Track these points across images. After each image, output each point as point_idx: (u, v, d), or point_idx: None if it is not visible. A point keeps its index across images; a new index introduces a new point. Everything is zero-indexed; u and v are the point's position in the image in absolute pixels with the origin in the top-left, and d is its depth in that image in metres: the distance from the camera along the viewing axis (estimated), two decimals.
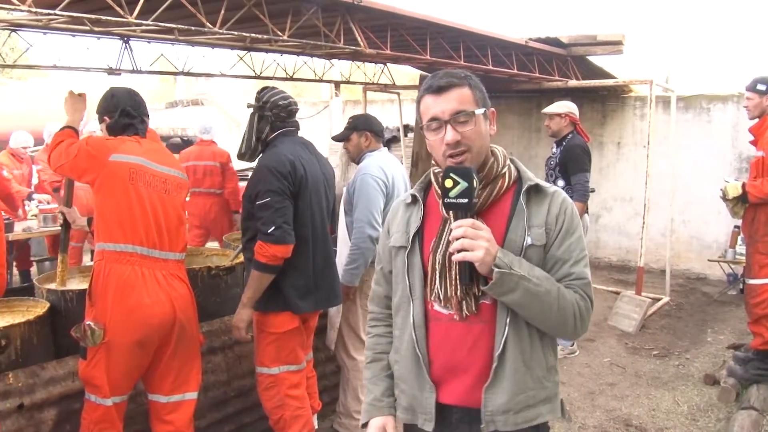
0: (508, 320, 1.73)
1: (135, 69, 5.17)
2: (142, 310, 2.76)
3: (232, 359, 3.62)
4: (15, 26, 3.57)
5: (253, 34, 3.34)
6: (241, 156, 3.24)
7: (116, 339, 2.75)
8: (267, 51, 5.07)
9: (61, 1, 2.66)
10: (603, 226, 9.15)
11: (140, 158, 2.85)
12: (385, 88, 8.08)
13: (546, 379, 1.81)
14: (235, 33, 3.21)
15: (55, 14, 2.53)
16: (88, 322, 2.74)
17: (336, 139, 4.04)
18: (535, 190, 1.80)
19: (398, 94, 8.71)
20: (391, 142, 10.55)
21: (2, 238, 2.73)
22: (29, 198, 7.08)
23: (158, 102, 15.76)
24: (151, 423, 3.02)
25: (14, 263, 6.77)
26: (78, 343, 2.79)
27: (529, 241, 1.74)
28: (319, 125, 11.74)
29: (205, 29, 3.08)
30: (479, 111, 1.75)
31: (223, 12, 3.18)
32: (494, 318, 1.75)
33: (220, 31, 3.13)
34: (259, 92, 3.25)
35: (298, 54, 5.25)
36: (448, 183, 1.67)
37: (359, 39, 3.99)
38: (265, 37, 3.41)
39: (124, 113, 2.92)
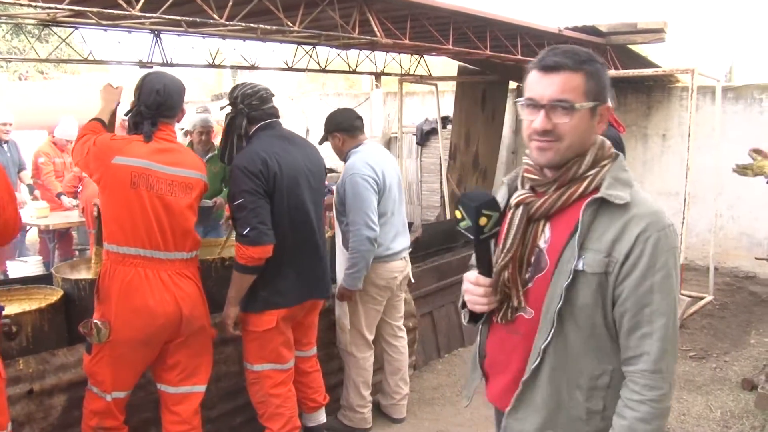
0: (545, 346, 1.56)
1: (165, 62, 5.26)
2: (147, 311, 2.77)
3: None
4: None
5: (262, 26, 3.34)
6: (221, 160, 3.19)
7: (121, 338, 2.78)
8: (281, 42, 5.07)
9: None
10: None
11: (144, 161, 2.78)
12: (421, 79, 7.99)
13: (588, 422, 1.58)
14: (243, 24, 3.21)
15: (58, 8, 2.57)
16: (95, 321, 2.77)
17: (319, 143, 3.80)
18: (610, 205, 1.52)
19: (435, 85, 8.57)
20: (430, 134, 10.49)
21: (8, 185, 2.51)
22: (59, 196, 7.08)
23: (207, 95, 16.10)
24: (161, 411, 3.07)
25: (56, 252, 6.98)
26: (85, 336, 2.84)
27: (580, 265, 1.50)
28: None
29: (211, 21, 3.08)
30: (584, 105, 1.52)
31: (230, 5, 3.18)
32: (531, 336, 1.60)
33: (227, 23, 3.13)
34: (230, 92, 3.18)
35: (313, 45, 5.24)
36: (458, 214, 1.57)
37: (376, 29, 3.93)
38: (275, 28, 3.40)
39: (137, 112, 2.85)
